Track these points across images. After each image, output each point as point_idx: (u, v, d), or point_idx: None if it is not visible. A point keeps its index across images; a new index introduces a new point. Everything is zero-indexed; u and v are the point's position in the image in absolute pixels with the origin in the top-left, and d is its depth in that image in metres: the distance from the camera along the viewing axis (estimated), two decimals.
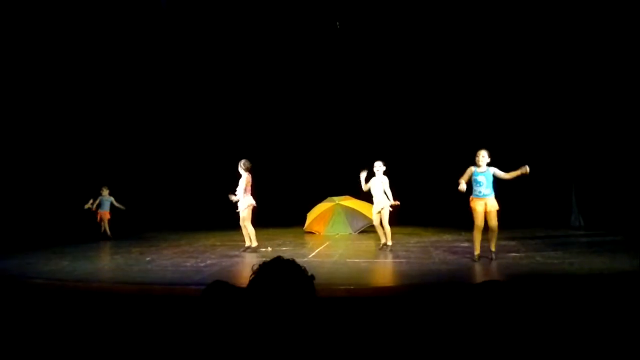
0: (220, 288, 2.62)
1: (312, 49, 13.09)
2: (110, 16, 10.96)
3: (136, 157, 13.24)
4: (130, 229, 12.02)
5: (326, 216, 12.36)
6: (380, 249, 8.81)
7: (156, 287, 5.61)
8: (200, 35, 12.46)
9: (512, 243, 8.96)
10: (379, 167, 8.78)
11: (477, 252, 7.27)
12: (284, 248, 9.57)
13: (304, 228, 12.43)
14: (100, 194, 11.69)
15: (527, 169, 6.97)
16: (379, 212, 8.81)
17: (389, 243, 8.85)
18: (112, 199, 11.75)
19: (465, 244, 9.21)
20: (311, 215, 12.50)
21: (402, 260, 7.56)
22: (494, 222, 7.12)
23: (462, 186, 7.08)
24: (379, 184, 8.76)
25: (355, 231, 12.15)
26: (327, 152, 14.24)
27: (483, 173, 7.15)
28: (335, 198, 12.57)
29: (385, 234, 8.85)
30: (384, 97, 14.18)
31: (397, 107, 14.14)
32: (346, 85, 14.09)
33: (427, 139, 13.66)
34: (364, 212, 11.81)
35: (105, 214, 11.66)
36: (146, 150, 13.45)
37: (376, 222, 8.90)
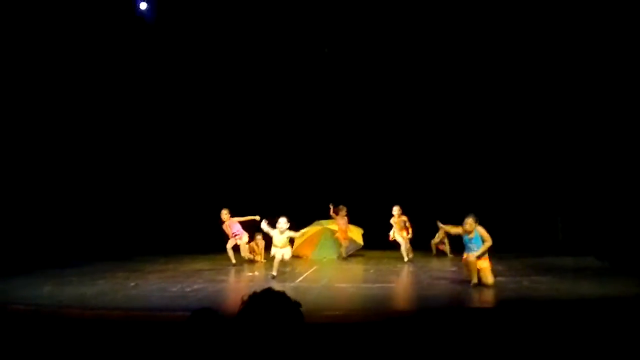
0: (206, 316, 2.59)
1: (301, 69, 13.21)
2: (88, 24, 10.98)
3: (122, 179, 13.12)
4: (116, 252, 11.85)
5: (314, 240, 12.29)
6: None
7: (141, 314, 5.52)
8: (188, 54, 12.54)
9: (500, 268, 8.94)
10: (283, 224, 8.61)
11: (474, 280, 7.18)
12: (270, 273, 9.46)
13: (291, 252, 12.36)
14: None
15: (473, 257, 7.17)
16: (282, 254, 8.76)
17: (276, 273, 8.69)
18: None
19: (453, 269, 9.23)
20: (299, 239, 12.41)
21: (391, 284, 7.54)
22: (490, 280, 7.15)
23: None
24: (285, 237, 8.70)
25: (342, 257, 12.09)
26: (315, 174, 14.22)
27: (473, 240, 7.25)
28: (323, 222, 12.52)
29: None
30: (368, 120, 14.26)
31: (386, 134, 14.21)
32: (337, 102, 14.16)
33: (413, 166, 13.71)
34: (352, 236, 11.79)
35: None
36: (133, 172, 13.34)
37: (279, 258, 8.75)
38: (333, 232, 12.40)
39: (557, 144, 11.78)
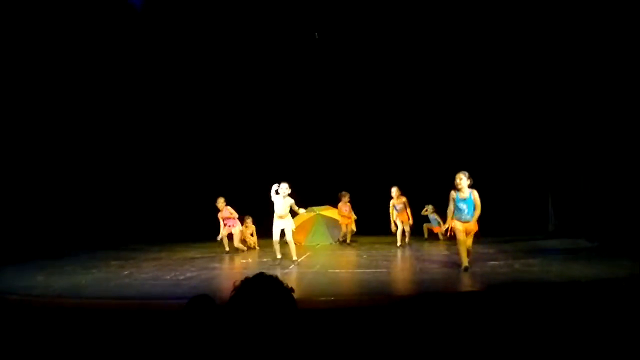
0: (203, 302, 2.60)
1: (293, 55, 13.12)
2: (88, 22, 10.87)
3: (115, 169, 13.07)
4: (110, 241, 11.83)
5: (307, 226, 12.35)
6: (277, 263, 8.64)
7: (135, 302, 5.53)
8: (180, 43, 12.42)
9: (491, 251, 9.05)
10: (284, 189, 8.59)
11: (464, 263, 7.20)
12: (265, 259, 9.51)
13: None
14: None
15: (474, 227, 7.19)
16: (282, 229, 8.71)
17: (294, 258, 8.73)
18: None
19: (446, 253, 9.30)
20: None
21: (384, 270, 7.58)
22: (470, 241, 7.23)
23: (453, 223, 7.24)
24: (286, 205, 8.65)
25: (336, 241, 12.16)
26: (310, 163, 14.21)
27: (465, 200, 7.12)
28: (315, 208, 12.56)
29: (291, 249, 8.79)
30: (366, 109, 14.24)
31: (376, 119, 14.20)
32: (329, 88, 14.11)
33: (407, 151, 13.71)
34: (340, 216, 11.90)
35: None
36: (126, 162, 13.28)
37: (276, 238, 8.75)
38: (326, 218, 12.47)
39: (546, 125, 11.82)
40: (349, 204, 11.63)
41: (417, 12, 11.45)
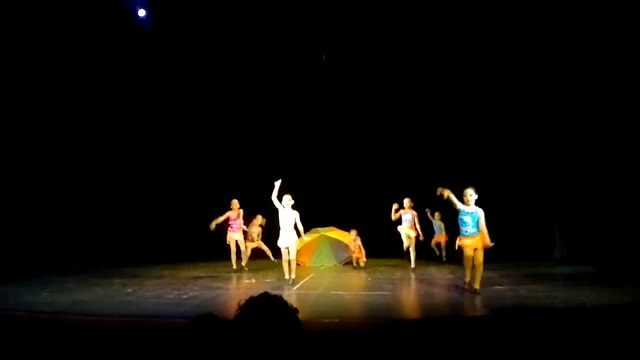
0: (207, 321, 2.59)
1: (302, 78, 13.24)
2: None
3: (119, 187, 13.12)
4: (113, 259, 11.83)
5: (311, 247, 12.31)
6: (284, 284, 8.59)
7: (137, 320, 5.50)
8: (186, 59, 12.57)
9: (496, 276, 8.98)
10: (287, 201, 8.69)
11: (467, 279, 7.31)
12: (268, 280, 9.48)
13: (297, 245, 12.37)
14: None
15: (490, 245, 7.14)
16: (287, 247, 8.70)
17: (292, 277, 8.69)
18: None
19: (450, 276, 9.24)
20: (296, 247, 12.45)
21: (387, 293, 7.53)
22: (479, 259, 7.17)
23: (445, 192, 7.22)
24: (290, 218, 8.68)
25: (340, 262, 12.11)
26: (310, 182, 14.22)
27: (470, 214, 7.17)
28: (320, 229, 12.54)
29: (290, 269, 8.72)
30: (369, 126, 14.28)
31: (383, 138, 14.24)
32: (331, 116, 14.18)
33: (411, 171, 13.71)
34: (349, 244, 11.80)
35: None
36: (130, 180, 13.34)
37: (286, 257, 8.75)
38: (330, 239, 12.44)
39: (555, 152, 11.83)
40: (359, 239, 11.46)
41: (424, 28, 11.53)
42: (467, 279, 7.34)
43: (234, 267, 10.51)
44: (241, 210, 10.70)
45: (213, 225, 10.33)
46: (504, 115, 12.47)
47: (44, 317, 5.66)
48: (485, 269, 8.68)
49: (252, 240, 11.11)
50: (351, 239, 11.48)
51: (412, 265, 10.38)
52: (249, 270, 10.63)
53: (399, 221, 10.67)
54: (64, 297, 7.22)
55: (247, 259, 10.83)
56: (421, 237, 10.62)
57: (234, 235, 10.57)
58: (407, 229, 10.50)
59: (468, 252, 7.19)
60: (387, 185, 13.41)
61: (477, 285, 7.16)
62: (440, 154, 13.35)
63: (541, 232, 12.33)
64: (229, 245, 10.58)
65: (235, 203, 10.66)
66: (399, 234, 10.76)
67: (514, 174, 12.55)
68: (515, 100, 12.08)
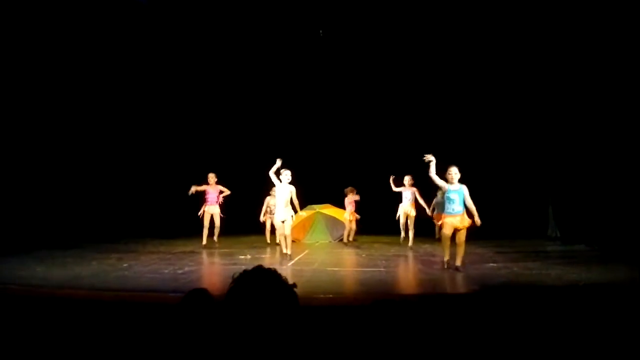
0: (199, 296, 2.60)
1: (298, 53, 13.08)
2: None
3: (116, 162, 13.07)
4: (109, 234, 11.85)
5: (306, 224, 12.37)
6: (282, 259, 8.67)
7: (133, 294, 5.53)
8: (187, 39, 12.38)
9: (490, 254, 9.05)
10: (286, 176, 8.72)
11: (446, 257, 7.42)
12: (263, 255, 9.52)
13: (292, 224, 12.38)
14: None
15: (478, 222, 7.13)
16: (283, 222, 8.73)
17: (288, 252, 8.76)
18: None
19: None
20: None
21: (382, 269, 7.58)
22: (462, 238, 7.21)
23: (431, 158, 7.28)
24: (286, 193, 8.71)
25: (335, 239, 12.17)
26: (310, 159, 14.19)
27: (456, 191, 7.22)
28: (315, 206, 12.57)
29: (286, 244, 8.79)
30: (364, 107, 14.21)
31: (379, 117, 14.18)
32: (331, 90, 14.07)
33: (409, 150, 13.66)
34: (344, 220, 11.83)
35: None
36: (126, 155, 13.29)
37: (281, 232, 8.83)
38: (325, 216, 12.47)
39: (548, 129, 11.81)
40: (354, 201, 11.43)
41: (423, 10, 11.39)
42: (447, 258, 7.42)
43: (204, 242, 10.52)
44: (218, 186, 10.82)
45: (193, 189, 10.53)
46: (499, 92, 12.42)
47: (40, 291, 5.68)
48: (478, 246, 8.81)
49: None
50: (350, 197, 11.40)
51: (410, 243, 10.42)
52: (220, 247, 10.60)
53: (399, 199, 10.67)
54: (60, 271, 7.24)
55: (218, 234, 10.85)
56: (429, 212, 10.76)
57: (209, 209, 10.66)
58: (409, 207, 10.52)
59: (447, 230, 7.25)
60: (382, 161, 13.38)
61: (458, 262, 7.21)
62: (435, 130, 13.29)
63: (534, 210, 12.38)
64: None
65: (211, 177, 10.80)
66: (398, 218, 10.78)
67: (508, 151, 12.54)
68: (510, 76, 12.01)
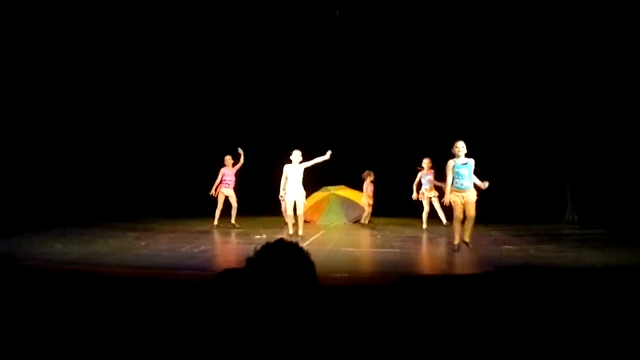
0: (233, 276, 2.60)
1: (312, 36, 12.97)
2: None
3: (135, 142, 13.16)
4: (126, 213, 11.98)
5: (321, 205, 12.36)
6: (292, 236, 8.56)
7: (151, 271, 5.62)
8: (194, 24, 12.33)
9: (506, 236, 9.00)
10: (297, 156, 8.73)
11: (456, 241, 7.36)
12: (279, 235, 9.55)
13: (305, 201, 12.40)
14: None
15: (486, 185, 7.14)
16: (294, 201, 8.73)
17: (300, 233, 8.76)
18: None
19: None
20: (306, 204, 12.50)
21: (397, 250, 7.60)
22: (472, 212, 7.18)
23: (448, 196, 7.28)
24: (298, 173, 8.72)
25: (350, 220, 12.16)
26: (324, 141, 14.12)
27: (465, 165, 7.21)
28: (330, 187, 12.57)
29: (298, 224, 8.80)
30: (379, 89, 14.08)
31: (394, 99, 14.05)
32: (343, 73, 13.96)
33: (424, 132, 13.57)
34: (359, 202, 11.82)
35: None
36: (144, 136, 13.37)
37: (290, 212, 8.83)
38: (340, 197, 12.46)
39: (566, 113, 11.65)
40: (372, 184, 11.34)
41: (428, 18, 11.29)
42: (457, 242, 7.33)
43: (215, 222, 10.53)
44: (234, 168, 10.80)
45: (213, 192, 10.59)
46: (518, 76, 12.22)
47: (59, 267, 5.78)
48: (495, 228, 8.75)
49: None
50: (369, 180, 11.33)
51: (444, 221, 10.09)
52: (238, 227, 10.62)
53: (419, 184, 10.48)
54: (79, 248, 7.36)
55: (235, 215, 10.83)
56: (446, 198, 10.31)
57: (225, 191, 10.65)
58: (428, 192, 10.30)
59: (458, 212, 7.23)
60: (399, 143, 13.32)
61: (467, 238, 7.23)
62: (454, 113, 13.14)
63: (552, 194, 12.25)
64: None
65: (228, 159, 10.81)
66: (419, 202, 10.49)
67: (526, 135, 12.38)
68: (529, 60, 11.81)
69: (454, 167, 7.24)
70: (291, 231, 8.77)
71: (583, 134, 11.25)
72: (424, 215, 10.42)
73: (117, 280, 5.21)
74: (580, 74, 11.06)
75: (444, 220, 10.14)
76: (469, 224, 7.21)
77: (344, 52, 13.32)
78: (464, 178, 7.19)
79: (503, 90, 12.56)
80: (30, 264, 5.95)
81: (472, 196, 7.17)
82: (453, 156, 7.28)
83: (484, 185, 7.17)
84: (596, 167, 10.90)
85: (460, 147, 7.20)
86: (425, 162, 10.36)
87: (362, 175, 11.38)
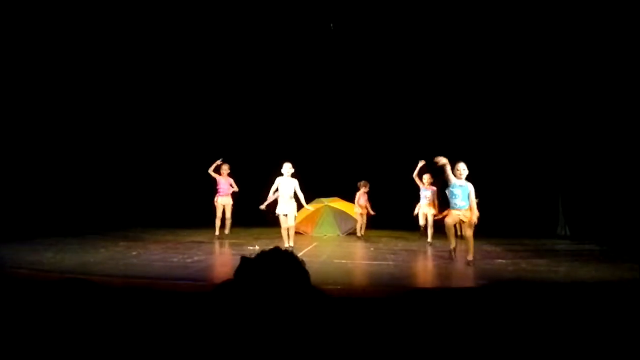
0: (232, 286, 2.59)
1: (306, 48, 13.03)
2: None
3: (125, 152, 13.13)
4: (118, 223, 11.93)
5: (314, 217, 12.35)
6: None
7: (143, 281, 5.57)
8: (188, 37, 12.37)
9: (498, 250, 9.03)
10: (287, 169, 8.65)
11: (452, 245, 7.57)
12: (271, 247, 9.51)
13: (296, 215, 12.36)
14: None
15: (473, 219, 7.24)
16: (286, 215, 8.63)
17: (291, 244, 8.65)
18: None
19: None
20: (299, 216, 12.47)
21: (390, 262, 7.59)
22: (469, 232, 7.27)
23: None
24: (289, 186, 8.65)
25: (344, 232, 12.16)
26: (316, 152, 14.16)
27: (461, 187, 7.28)
28: (324, 199, 12.58)
29: (289, 236, 8.73)
30: (374, 101, 14.15)
31: (388, 113, 14.12)
32: (339, 85, 14.01)
33: (417, 145, 13.61)
34: (352, 214, 11.82)
35: None
36: (135, 145, 13.34)
37: (284, 225, 8.71)
38: (334, 209, 12.46)
39: (559, 127, 11.74)
40: (366, 195, 11.24)
41: (434, 4, 11.31)
42: (453, 245, 7.59)
43: (217, 233, 10.45)
44: (230, 179, 10.66)
45: (212, 168, 10.59)
46: (509, 88, 12.32)
47: (48, 276, 5.73)
48: (488, 242, 8.77)
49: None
50: (363, 191, 11.22)
51: (429, 239, 10.04)
52: (229, 238, 10.55)
53: (417, 198, 10.49)
54: (69, 257, 7.29)
55: (229, 226, 10.73)
56: (437, 215, 9.96)
57: (221, 200, 10.54)
58: (426, 207, 10.31)
59: (449, 219, 7.38)
60: (392, 157, 13.34)
61: (470, 257, 7.25)
62: (445, 126, 13.21)
63: (544, 208, 12.31)
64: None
65: (225, 168, 10.66)
66: (416, 215, 10.56)
67: (518, 149, 12.46)
68: (520, 72, 11.92)
69: (452, 184, 7.31)
70: (286, 244, 8.72)
71: (575, 148, 11.33)
72: (428, 229, 10.26)
73: (109, 290, 5.20)
74: (572, 88, 11.15)
75: (430, 239, 10.06)
76: (469, 244, 7.27)
77: (339, 63, 13.39)
78: (457, 198, 7.27)
79: (496, 104, 12.67)
80: (19, 272, 5.90)
81: (468, 216, 7.24)
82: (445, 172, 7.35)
83: (474, 219, 7.25)
84: (588, 180, 10.97)
85: (462, 169, 7.26)
86: (426, 178, 10.28)
87: (358, 184, 11.34)
